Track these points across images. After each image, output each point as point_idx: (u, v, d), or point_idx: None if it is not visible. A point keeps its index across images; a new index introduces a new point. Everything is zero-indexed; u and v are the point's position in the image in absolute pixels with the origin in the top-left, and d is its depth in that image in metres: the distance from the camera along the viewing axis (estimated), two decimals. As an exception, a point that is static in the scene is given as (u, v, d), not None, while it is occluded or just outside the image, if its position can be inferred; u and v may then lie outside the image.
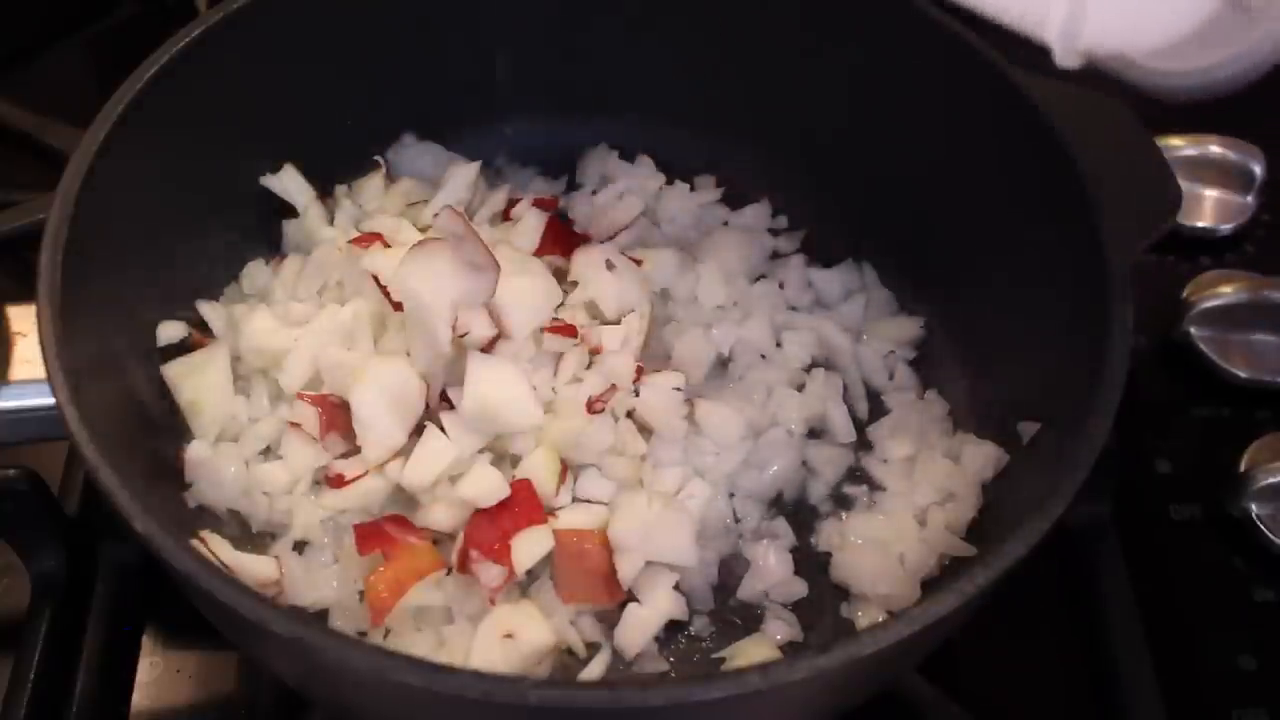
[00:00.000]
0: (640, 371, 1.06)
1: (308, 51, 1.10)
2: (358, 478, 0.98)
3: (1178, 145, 1.31)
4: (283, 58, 1.09)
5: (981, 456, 1.03)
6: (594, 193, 1.25)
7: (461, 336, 0.98)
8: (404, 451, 0.99)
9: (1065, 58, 0.78)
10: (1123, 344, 0.86)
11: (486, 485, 0.97)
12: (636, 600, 0.97)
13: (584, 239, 1.17)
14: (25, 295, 0.89)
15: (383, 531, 0.95)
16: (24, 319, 0.98)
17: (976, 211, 1.09)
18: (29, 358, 0.96)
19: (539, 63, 1.21)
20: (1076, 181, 0.95)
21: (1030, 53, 1.02)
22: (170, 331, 1.03)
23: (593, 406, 1.02)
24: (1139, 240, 0.95)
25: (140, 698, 1.00)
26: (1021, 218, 1.02)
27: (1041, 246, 1.00)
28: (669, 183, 1.25)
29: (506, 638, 0.90)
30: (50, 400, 0.80)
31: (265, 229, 1.15)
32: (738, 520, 1.04)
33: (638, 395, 1.04)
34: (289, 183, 1.14)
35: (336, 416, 1.00)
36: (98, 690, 0.97)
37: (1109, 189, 0.94)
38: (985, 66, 1.03)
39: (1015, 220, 1.03)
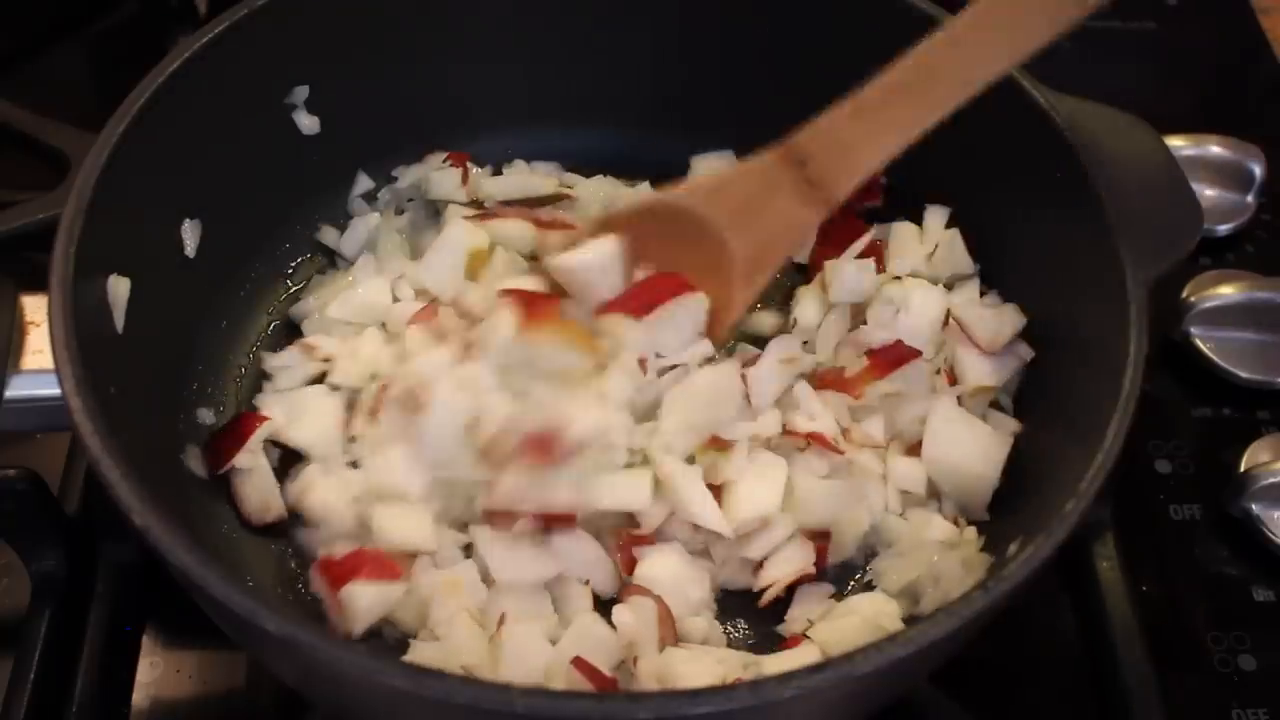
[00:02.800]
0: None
1: (328, 52, 1.11)
2: None
3: (1178, 145, 1.31)
4: (303, 58, 1.10)
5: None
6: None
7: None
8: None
9: None
10: (1137, 368, 0.86)
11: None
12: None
13: None
14: (38, 287, 0.89)
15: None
16: (38, 309, 0.98)
17: (994, 228, 1.09)
18: (42, 348, 0.96)
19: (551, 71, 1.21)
20: (1095, 203, 0.95)
21: (1051, 69, 1.03)
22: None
23: None
24: (1158, 263, 0.95)
25: (140, 698, 1.00)
26: (1040, 236, 1.03)
27: (1059, 265, 1.01)
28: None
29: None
30: (59, 390, 0.81)
31: (271, 228, 1.16)
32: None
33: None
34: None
35: None
36: (98, 690, 0.97)
37: (1129, 209, 0.94)
38: (1008, 83, 1.02)
39: (1033, 238, 1.04)
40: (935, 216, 1.15)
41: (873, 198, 1.18)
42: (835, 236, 1.15)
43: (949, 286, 1.12)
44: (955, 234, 1.12)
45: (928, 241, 1.14)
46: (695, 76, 1.21)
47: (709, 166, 1.23)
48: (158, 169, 0.98)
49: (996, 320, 1.06)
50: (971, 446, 1.02)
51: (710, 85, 1.21)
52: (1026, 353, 1.06)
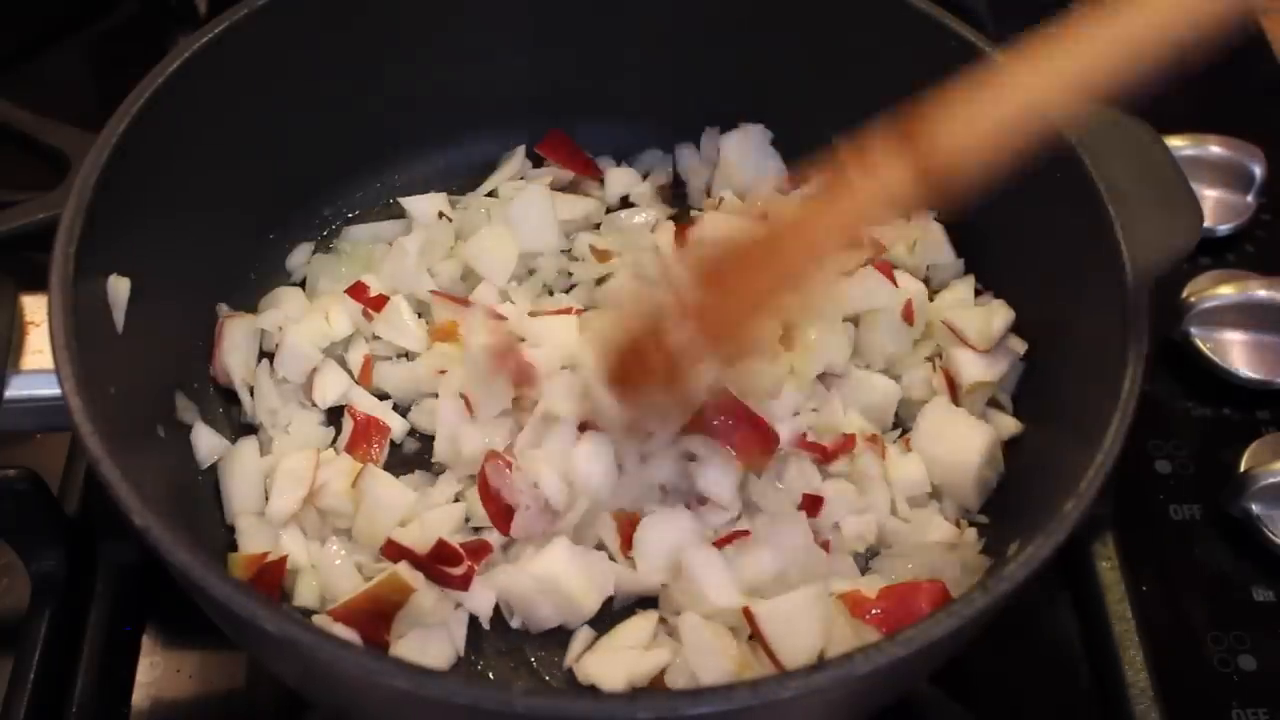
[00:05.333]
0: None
1: (328, 52, 1.11)
2: None
3: (1178, 145, 1.31)
4: (303, 57, 1.09)
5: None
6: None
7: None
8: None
9: None
10: (1137, 368, 0.86)
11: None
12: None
13: None
14: (38, 287, 0.89)
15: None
16: (38, 309, 0.98)
17: (994, 228, 1.09)
18: (42, 348, 0.96)
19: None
20: (1095, 203, 0.95)
21: None
22: None
23: None
24: (1158, 263, 0.94)
25: (140, 698, 1.00)
26: (1040, 236, 1.03)
27: (1060, 265, 1.01)
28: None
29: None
30: (59, 390, 0.81)
31: (272, 227, 1.17)
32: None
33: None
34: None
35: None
36: (98, 690, 0.97)
37: (1129, 210, 0.94)
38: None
39: (1033, 238, 1.04)
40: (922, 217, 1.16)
41: None
42: None
43: (935, 290, 1.13)
44: (933, 225, 1.13)
45: (910, 234, 1.15)
46: (690, 74, 1.21)
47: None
48: (158, 169, 0.98)
49: (985, 317, 1.06)
50: (956, 435, 1.03)
51: (710, 84, 1.21)
52: (1019, 345, 1.06)
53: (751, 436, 0.99)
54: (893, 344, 1.09)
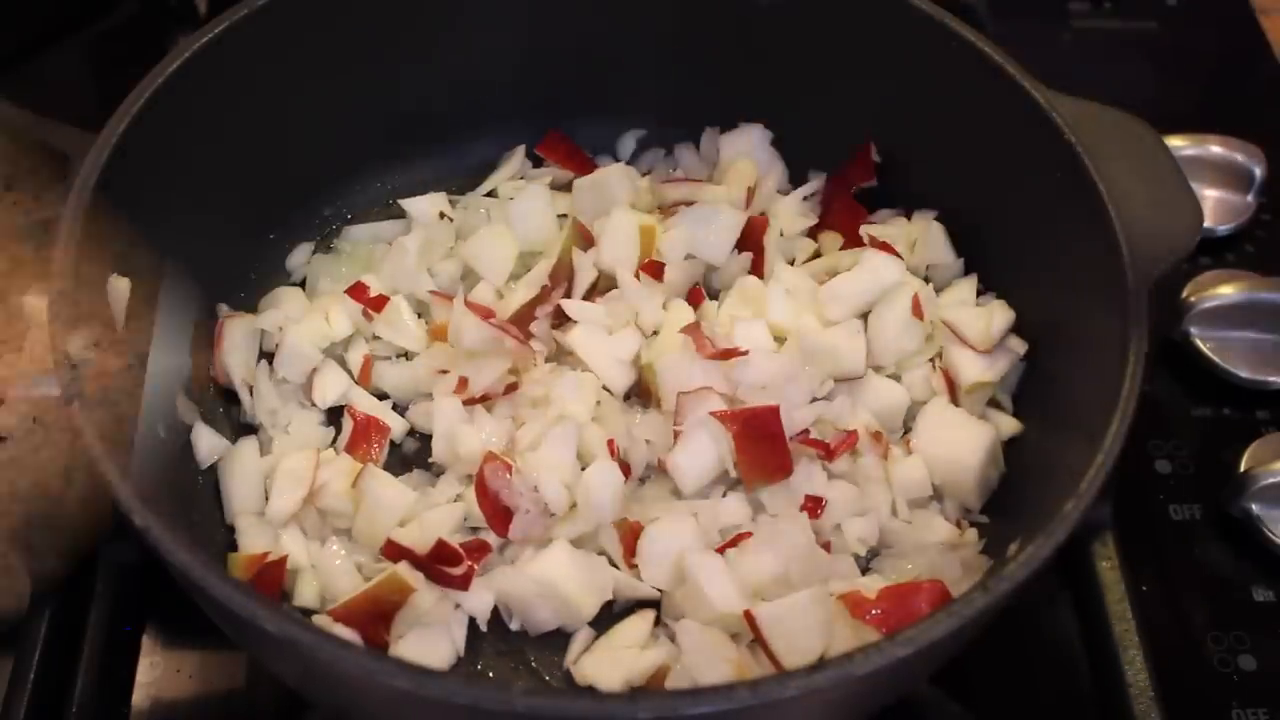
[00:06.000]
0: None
1: (328, 52, 1.11)
2: None
3: (1178, 145, 1.31)
4: (303, 58, 1.09)
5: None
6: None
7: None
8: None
9: None
10: (1137, 368, 0.86)
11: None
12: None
13: None
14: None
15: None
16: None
17: (994, 228, 1.09)
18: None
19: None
20: (1095, 203, 0.95)
21: (1051, 69, 1.03)
22: None
23: None
24: (1158, 263, 0.94)
25: (140, 698, 1.00)
26: (1040, 236, 1.03)
27: (1060, 265, 1.01)
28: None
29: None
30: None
31: (272, 228, 1.17)
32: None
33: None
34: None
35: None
36: (98, 690, 0.97)
37: (1129, 209, 0.94)
38: (1009, 84, 1.03)
39: (1034, 238, 1.04)
40: (922, 217, 1.16)
41: (867, 178, 1.18)
42: (834, 218, 1.17)
43: (939, 289, 1.13)
44: (933, 225, 1.13)
45: (910, 234, 1.15)
46: (690, 74, 1.21)
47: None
48: (158, 169, 0.98)
49: (985, 318, 1.06)
50: (956, 435, 1.03)
51: (710, 84, 1.22)
52: (1019, 346, 1.06)
53: (771, 460, 0.99)
54: (904, 340, 1.08)
